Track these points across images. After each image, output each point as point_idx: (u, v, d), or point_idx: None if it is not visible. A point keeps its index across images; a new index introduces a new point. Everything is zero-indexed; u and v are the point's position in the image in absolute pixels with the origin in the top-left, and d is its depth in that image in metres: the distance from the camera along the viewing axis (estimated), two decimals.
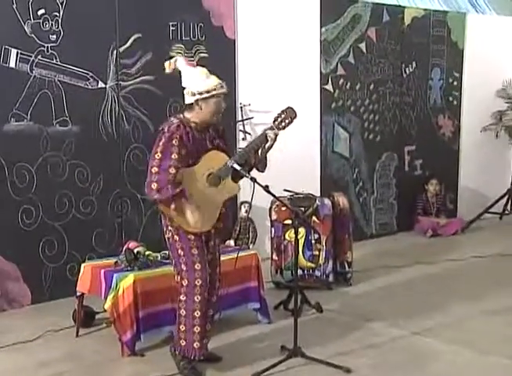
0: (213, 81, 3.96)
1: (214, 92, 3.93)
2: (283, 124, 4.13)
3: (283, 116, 4.14)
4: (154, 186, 3.82)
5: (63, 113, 5.62)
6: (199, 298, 3.98)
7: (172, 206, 3.85)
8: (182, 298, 4.01)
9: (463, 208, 9.00)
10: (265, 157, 4.15)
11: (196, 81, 3.96)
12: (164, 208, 3.93)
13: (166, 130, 3.91)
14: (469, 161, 9.05)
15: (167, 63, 4.06)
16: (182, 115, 4.03)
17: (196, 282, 3.97)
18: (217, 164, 4.02)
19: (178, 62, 4.05)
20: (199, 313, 4.00)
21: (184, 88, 4.01)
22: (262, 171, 4.19)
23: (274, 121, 4.13)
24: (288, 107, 4.18)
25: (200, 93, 3.93)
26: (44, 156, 5.54)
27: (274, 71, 7.01)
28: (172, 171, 3.83)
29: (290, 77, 7.13)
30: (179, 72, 4.05)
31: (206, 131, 4.05)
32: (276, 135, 4.08)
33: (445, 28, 8.67)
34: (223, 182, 4.04)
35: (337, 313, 5.30)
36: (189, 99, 3.98)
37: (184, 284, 3.99)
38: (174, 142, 3.86)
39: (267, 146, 4.09)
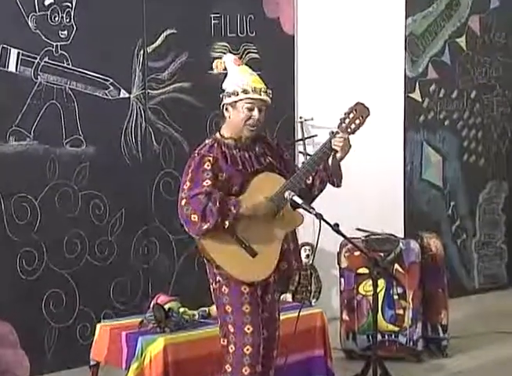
0: (246, 81, 3.99)
1: (242, 96, 3.95)
2: (353, 126, 4.05)
3: (351, 116, 4.05)
4: (195, 217, 3.81)
5: (76, 130, 5.74)
6: (248, 370, 3.96)
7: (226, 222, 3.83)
8: (228, 368, 4.00)
9: None
10: (339, 168, 4.10)
11: (229, 81, 4.03)
12: (204, 246, 3.91)
13: (196, 153, 3.97)
14: None
15: (215, 63, 4.15)
16: (218, 133, 4.09)
17: (246, 350, 3.95)
18: (271, 188, 3.98)
19: (227, 60, 4.12)
20: None
21: None
22: (339, 186, 4.16)
23: (340, 124, 4.05)
24: (357, 103, 4.10)
25: (229, 95, 3.99)
26: (50, 185, 5.65)
27: (344, 76, 7.04)
28: (203, 198, 3.81)
29: (364, 83, 7.11)
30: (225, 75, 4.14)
31: (251, 149, 4.08)
32: (347, 141, 4.02)
33: None
34: (280, 212, 4.03)
35: None
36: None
37: (230, 351, 3.98)
38: (206, 166, 3.90)
39: (338, 156, 4.05)
